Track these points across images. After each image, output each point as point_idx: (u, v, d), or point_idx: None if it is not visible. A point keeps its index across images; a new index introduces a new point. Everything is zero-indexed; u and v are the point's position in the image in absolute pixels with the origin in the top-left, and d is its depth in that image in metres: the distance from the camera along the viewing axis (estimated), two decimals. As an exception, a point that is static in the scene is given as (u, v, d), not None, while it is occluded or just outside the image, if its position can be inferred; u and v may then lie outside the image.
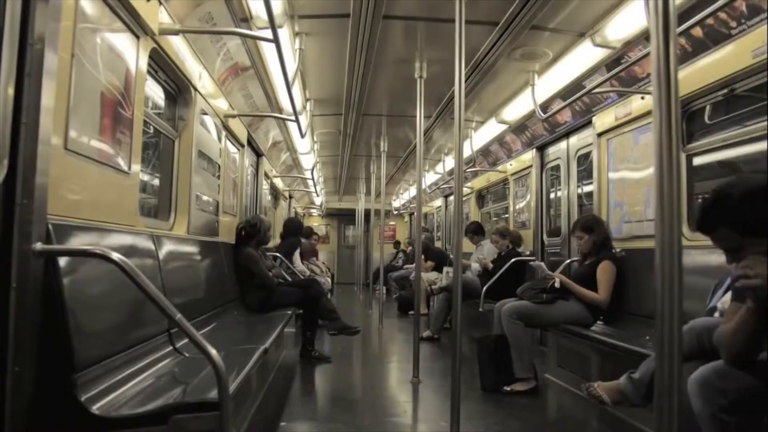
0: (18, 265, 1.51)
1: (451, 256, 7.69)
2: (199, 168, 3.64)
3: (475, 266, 6.09)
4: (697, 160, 3.54)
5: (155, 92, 3.30)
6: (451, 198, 9.97)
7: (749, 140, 3.10)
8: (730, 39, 2.97)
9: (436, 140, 7.16)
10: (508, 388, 3.79)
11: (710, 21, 2.91)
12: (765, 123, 2.85)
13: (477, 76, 4.43)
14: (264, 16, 2.80)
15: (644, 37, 3.35)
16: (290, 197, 10.87)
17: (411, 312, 7.35)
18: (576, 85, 4.31)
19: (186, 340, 2.41)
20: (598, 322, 3.82)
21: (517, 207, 6.63)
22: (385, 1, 3.20)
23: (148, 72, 2.77)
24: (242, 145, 5.12)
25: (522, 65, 4.29)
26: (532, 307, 3.81)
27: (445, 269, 7.74)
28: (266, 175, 7.11)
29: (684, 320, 1.21)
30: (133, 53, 2.47)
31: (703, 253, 3.07)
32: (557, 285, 3.81)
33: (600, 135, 4.46)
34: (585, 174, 5.06)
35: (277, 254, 6.23)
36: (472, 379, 3.91)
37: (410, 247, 11.48)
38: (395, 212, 15.05)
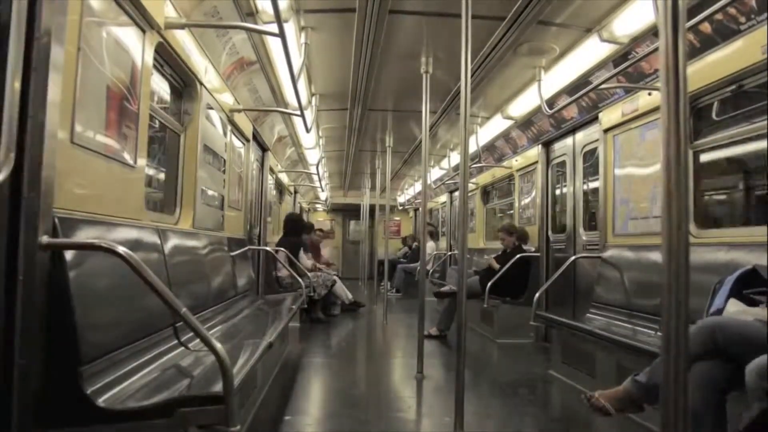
0: (24, 259, 1.51)
1: (456, 252, 7.71)
2: (204, 162, 3.64)
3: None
4: (704, 157, 3.52)
5: (161, 86, 3.31)
6: (456, 194, 9.96)
7: (756, 137, 3.08)
8: (739, 35, 2.95)
9: (442, 136, 7.15)
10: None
11: (719, 16, 2.88)
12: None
13: (483, 72, 4.42)
14: (270, 10, 2.79)
15: (652, 32, 3.33)
16: (295, 192, 10.87)
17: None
18: (582, 81, 4.29)
19: (191, 334, 2.43)
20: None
21: (523, 203, 6.61)
22: (391, -4, 3.20)
23: (154, 66, 2.77)
24: (247, 140, 5.12)
25: (528, 60, 4.28)
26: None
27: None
28: (271, 170, 7.11)
29: (690, 318, 1.20)
30: (139, 47, 2.47)
31: (709, 251, 3.06)
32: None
33: (606, 131, 4.43)
34: (591, 170, 5.04)
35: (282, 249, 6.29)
36: (476, 375, 3.91)
37: (414, 243, 11.42)
38: (400, 207, 15.05)
